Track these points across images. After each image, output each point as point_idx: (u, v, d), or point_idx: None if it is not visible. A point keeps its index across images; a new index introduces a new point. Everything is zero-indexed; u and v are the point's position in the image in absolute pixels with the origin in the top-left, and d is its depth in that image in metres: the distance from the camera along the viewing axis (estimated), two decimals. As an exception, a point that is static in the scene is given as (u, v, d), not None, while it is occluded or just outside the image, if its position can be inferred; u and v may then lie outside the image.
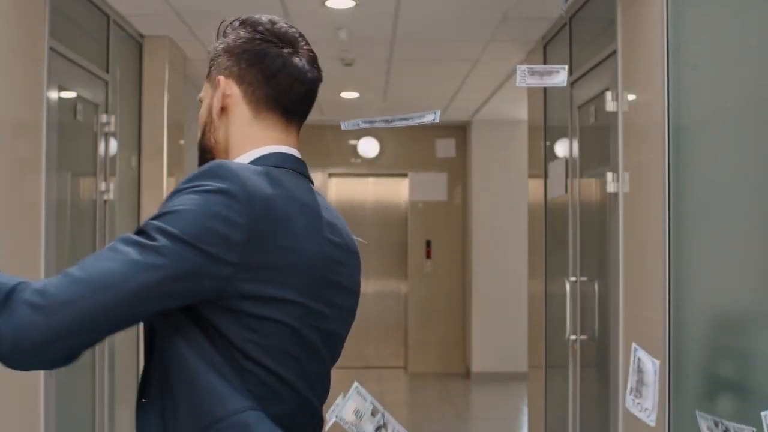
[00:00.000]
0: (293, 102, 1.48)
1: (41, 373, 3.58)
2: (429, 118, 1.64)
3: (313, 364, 1.41)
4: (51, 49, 3.75)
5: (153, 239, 1.24)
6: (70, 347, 1.23)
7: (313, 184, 1.51)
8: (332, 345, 1.47)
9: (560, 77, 1.70)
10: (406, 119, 1.66)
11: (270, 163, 1.42)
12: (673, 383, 3.03)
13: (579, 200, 4.42)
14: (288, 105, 1.48)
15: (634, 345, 1.72)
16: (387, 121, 1.68)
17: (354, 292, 1.51)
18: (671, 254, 3.05)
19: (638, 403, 1.71)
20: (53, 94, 3.81)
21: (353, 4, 4.64)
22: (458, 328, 9.39)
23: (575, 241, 4.43)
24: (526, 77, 1.71)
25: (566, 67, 1.71)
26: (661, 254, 3.09)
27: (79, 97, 4.19)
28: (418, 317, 9.40)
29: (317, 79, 1.50)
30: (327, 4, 4.62)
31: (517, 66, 1.70)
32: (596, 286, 4.08)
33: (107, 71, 4.51)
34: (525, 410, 6.84)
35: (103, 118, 4.42)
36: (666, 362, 3.05)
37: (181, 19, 4.88)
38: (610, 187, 3.66)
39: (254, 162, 1.43)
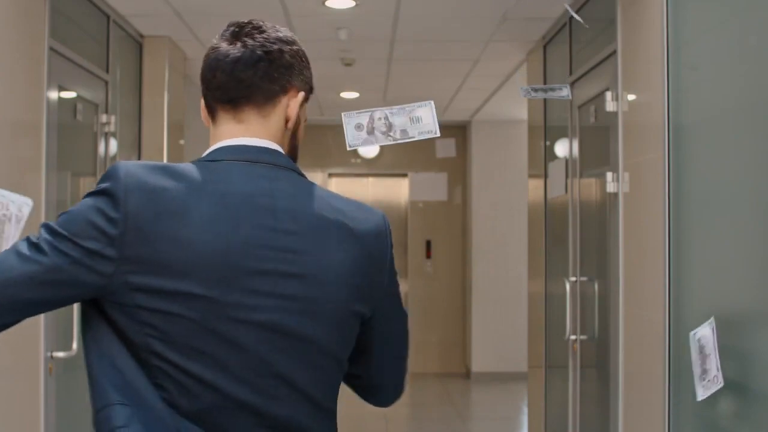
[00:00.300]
0: (225, 90, 1.47)
1: (41, 372, 3.59)
2: (429, 128, 1.62)
3: (238, 360, 1.36)
4: (51, 49, 3.75)
5: (39, 236, 1.35)
6: None
7: (280, 166, 1.45)
8: (279, 338, 1.38)
9: (564, 92, 1.70)
10: (406, 132, 1.63)
11: (207, 159, 1.45)
12: (673, 383, 3.03)
13: (579, 200, 4.42)
14: (222, 96, 1.48)
15: (691, 333, 1.71)
16: (390, 137, 1.64)
17: (316, 279, 1.40)
18: (671, 254, 3.05)
19: (708, 381, 1.71)
20: (53, 94, 3.81)
21: (353, 4, 4.64)
22: (458, 328, 9.39)
23: (575, 241, 4.43)
24: (530, 93, 1.71)
25: (568, 86, 1.72)
26: (661, 254, 3.09)
27: (79, 97, 4.19)
28: (418, 317, 9.40)
29: (241, 58, 1.46)
30: (327, 4, 4.62)
31: (520, 87, 1.70)
32: (596, 286, 4.08)
33: (107, 71, 4.51)
34: (525, 410, 6.84)
35: (103, 118, 4.42)
36: (666, 362, 3.05)
37: (181, 19, 4.88)
38: (610, 187, 3.66)
39: (196, 162, 1.46)
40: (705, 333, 1.71)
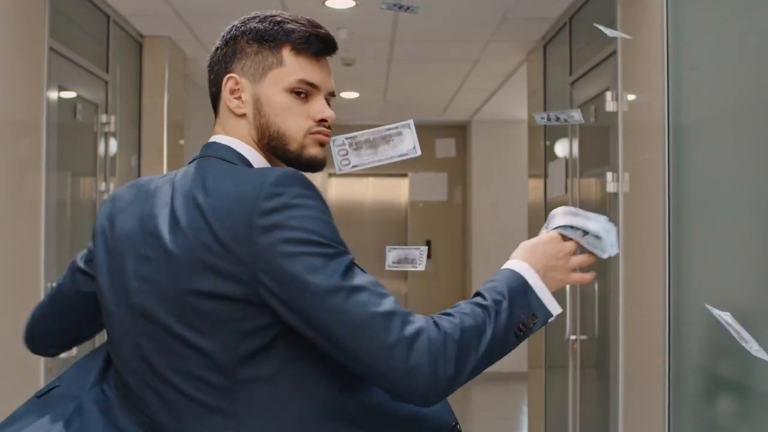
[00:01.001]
0: (210, 95, 1.58)
1: (41, 372, 3.58)
2: (408, 148, 1.68)
3: (125, 344, 1.43)
4: (51, 49, 3.75)
5: None
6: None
7: (206, 157, 1.47)
8: (141, 322, 1.40)
9: (576, 116, 1.74)
10: (385, 154, 1.70)
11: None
12: (673, 383, 3.03)
13: (579, 200, 4.42)
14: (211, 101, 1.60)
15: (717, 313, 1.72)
16: (372, 158, 1.70)
17: (162, 261, 1.37)
18: (671, 254, 3.05)
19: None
20: (53, 94, 3.81)
21: (353, 4, 4.64)
22: (458, 328, 9.38)
23: (575, 241, 4.43)
24: (546, 120, 1.76)
25: (578, 110, 1.76)
26: (661, 254, 3.08)
27: (79, 97, 4.19)
28: (418, 317, 9.39)
29: (209, 61, 1.56)
30: (327, 4, 4.62)
31: (534, 114, 1.73)
32: (596, 286, 4.08)
33: (107, 71, 4.51)
34: (525, 410, 6.84)
35: (103, 118, 4.42)
36: (666, 362, 3.05)
37: (181, 19, 4.88)
38: (610, 187, 3.65)
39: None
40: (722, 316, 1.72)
